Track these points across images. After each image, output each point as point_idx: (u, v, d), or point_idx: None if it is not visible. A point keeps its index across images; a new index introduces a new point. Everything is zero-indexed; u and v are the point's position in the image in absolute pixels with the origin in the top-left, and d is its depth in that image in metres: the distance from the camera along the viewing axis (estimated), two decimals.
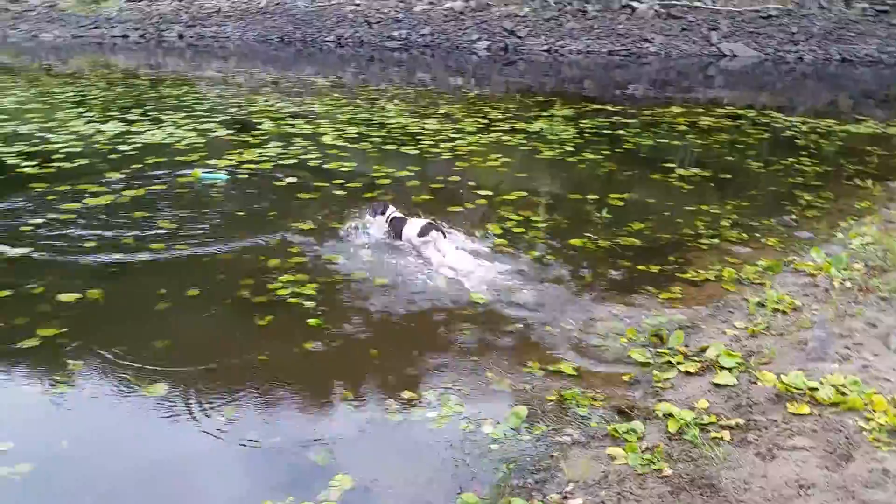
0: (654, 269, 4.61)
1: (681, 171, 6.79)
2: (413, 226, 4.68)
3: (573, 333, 3.77)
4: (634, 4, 17.48)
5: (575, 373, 3.41)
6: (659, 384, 3.28)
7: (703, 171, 6.85)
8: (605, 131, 8.65)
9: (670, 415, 2.92)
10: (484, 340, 3.71)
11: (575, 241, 5.00)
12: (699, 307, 4.06)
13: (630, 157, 7.54)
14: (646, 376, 3.37)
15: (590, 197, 6.00)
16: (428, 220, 4.70)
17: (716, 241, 5.08)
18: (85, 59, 17.63)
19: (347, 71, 15.65)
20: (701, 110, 10.11)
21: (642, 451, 2.73)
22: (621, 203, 5.86)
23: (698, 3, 16.92)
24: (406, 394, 3.23)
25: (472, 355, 3.57)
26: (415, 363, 3.52)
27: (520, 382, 3.32)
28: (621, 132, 8.60)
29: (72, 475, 2.75)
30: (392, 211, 4.89)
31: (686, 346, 3.58)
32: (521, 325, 3.86)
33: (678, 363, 3.42)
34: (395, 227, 4.78)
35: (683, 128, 8.83)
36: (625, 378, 3.38)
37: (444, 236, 4.56)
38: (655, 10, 17.26)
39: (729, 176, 6.82)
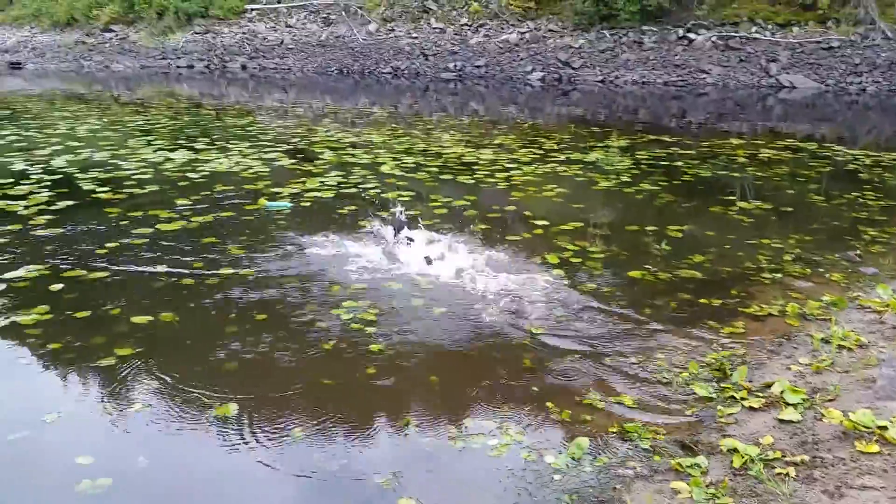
0: (716, 302, 4.56)
1: (742, 204, 6.71)
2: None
3: (633, 365, 3.77)
4: (691, 36, 17.41)
5: (636, 405, 3.40)
6: (723, 419, 3.24)
7: (763, 203, 6.76)
8: (662, 162, 8.62)
9: (735, 450, 2.89)
10: (542, 370, 3.74)
11: (634, 273, 4.99)
12: (763, 342, 4.00)
13: (688, 188, 7.49)
14: (709, 411, 3.34)
15: (648, 228, 5.99)
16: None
17: (778, 275, 5.01)
18: (152, 89, 18.37)
19: (403, 102, 15.93)
20: (760, 142, 9.99)
21: (706, 486, 2.72)
22: (680, 235, 5.83)
23: (757, 35, 16.76)
24: (467, 421, 3.28)
25: (532, 385, 3.59)
26: (474, 391, 3.55)
27: (580, 413, 3.33)
28: (679, 163, 8.55)
29: (147, 491, 2.86)
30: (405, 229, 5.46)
31: (750, 381, 3.53)
32: (580, 356, 3.87)
33: (742, 398, 3.38)
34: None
35: (743, 160, 8.73)
36: (688, 412, 3.35)
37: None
38: (713, 42, 17.16)
39: (790, 209, 6.71)
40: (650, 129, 11.39)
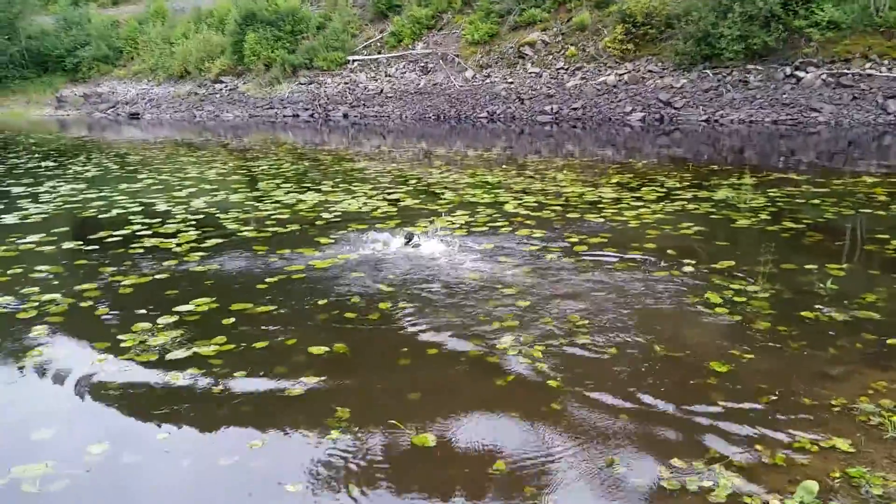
0: None
1: None
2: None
3: (836, 408, 3.56)
4: (800, 74, 16.95)
5: (853, 449, 3.20)
6: None
7: None
8: (798, 200, 8.32)
9: None
10: (738, 410, 3.58)
11: (806, 313, 4.77)
12: None
13: (834, 227, 7.18)
14: None
15: (806, 267, 5.74)
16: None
17: None
18: (259, 136, 19.20)
19: (499, 145, 16.09)
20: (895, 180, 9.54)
21: None
22: (842, 273, 5.56)
23: (871, 71, 16.15)
24: (675, 461, 3.15)
25: (733, 424, 3.44)
26: (672, 427, 3.43)
27: (794, 457, 3.16)
28: (816, 201, 8.23)
29: None
30: (417, 238, 6.51)
31: None
32: (775, 397, 3.70)
33: None
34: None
35: (884, 198, 8.32)
36: None
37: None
38: (823, 79, 16.64)
39: None
40: (768, 167, 11.06)
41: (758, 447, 3.24)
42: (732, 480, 2.99)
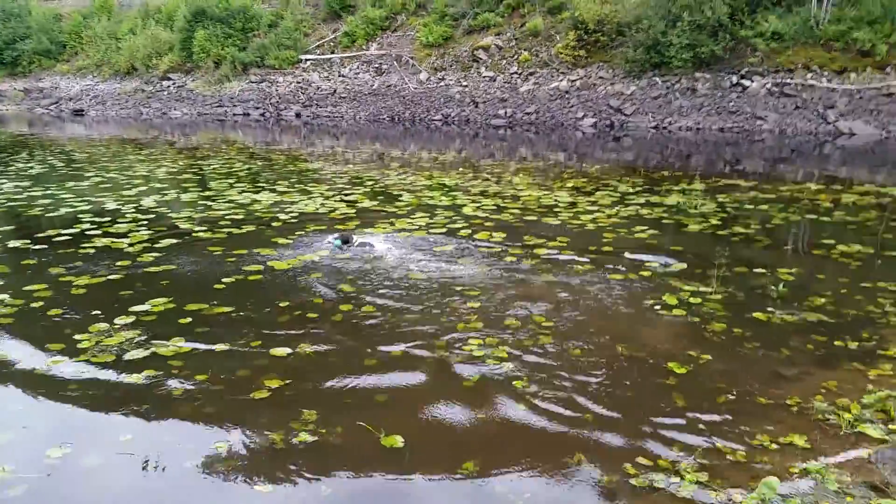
0: (853, 344, 4.47)
1: (842, 248, 6.62)
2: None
3: (792, 407, 3.69)
4: (745, 83, 17.48)
5: (809, 446, 3.32)
6: None
7: (865, 247, 6.66)
8: (747, 206, 8.58)
9: None
10: (700, 409, 3.67)
11: (759, 315, 4.93)
12: None
13: (783, 231, 7.43)
14: (888, 452, 3.24)
15: (756, 270, 5.93)
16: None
17: None
18: (209, 135, 18.84)
19: (452, 147, 16.14)
20: (839, 187, 9.91)
21: None
22: (791, 277, 5.75)
23: (813, 82, 16.77)
24: (640, 459, 3.22)
25: (695, 422, 3.53)
26: (638, 426, 3.50)
27: (755, 454, 3.26)
28: (764, 207, 8.51)
29: None
30: (356, 238, 6.46)
31: None
32: (733, 397, 3.81)
33: None
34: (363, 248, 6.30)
35: (827, 204, 8.65)
36: (864, 454, 3.27)
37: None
38: (768, 89, 17.20)
39: (894, 253, 6.60)
40: (717, 174, 11.38)
41: (719, 445, 3.33)
42: (697, 477, 3.06)
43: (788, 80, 17.10)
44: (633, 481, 3.05)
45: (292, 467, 3.16)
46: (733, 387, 3.89)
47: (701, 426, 3.50)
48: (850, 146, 14.85)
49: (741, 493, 2.96)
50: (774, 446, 3.32)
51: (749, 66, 17.60)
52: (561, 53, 20.77)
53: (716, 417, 3.59)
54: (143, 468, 3.14)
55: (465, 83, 21.77)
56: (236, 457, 3.24)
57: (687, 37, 17.55)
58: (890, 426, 3.48)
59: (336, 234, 6.40)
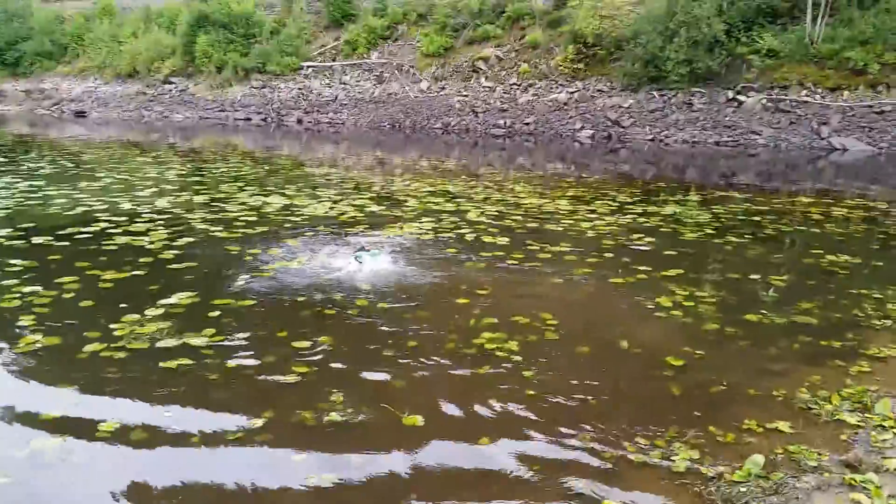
0: (836, 344, 4.81)
1: (830, 257, 6.97)
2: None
3: (778, 397, 4.02)
4: (741, 98, 17.90)
5: (792, 430, 3.64)
6: (878, 444, 3.49)
7: (852, 258, 7.01)
8: (740, 217, 8.94)
9: None
10: (693, 397, 4.00)
11: (750, 317, 5.26)
12: (893, 380, 4.24)
13: (775, 241, 7.78)
14: (862, 436, 3.58)
15: (750, 276, 6.27)
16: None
17: (888, 321, 5.24)
18: (210, 139, 19.14)
19: (452, 155, 16.50)
20: (830, 200, 10.28)
21: (888, 498, 2.95)
22: (783, 283, 6.09)
23: (807, 98, 17.21)
24: (638, 439, 3.54)
25: (689, 409, 3.85)
26: (636, 410, 3.83)
27: (743, 437, 3.58)
28: (757, 218, 8.86)
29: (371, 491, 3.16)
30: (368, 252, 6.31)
31: (894, 412, 3.78)
32: (724, 387, 4.13)
33: (891, 427, 3.63)
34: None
35: (818, 216, 9.01)
36: (842, 437, 3.60)
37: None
38: (763, 104, 17.62)
39: (881, 263, 6.95)
40: (712, 186, 11.75)
41: (710, 428, 3.65)
42: (690, 454, 3.39)
43: (783, 97, 17.53)
44: (631, 457, 3.37)
45: (323, 442, 3.46)
46: (724, 379, 4.22)
47: (694, 412, 3.82)
48: (842, 162, 15.26)
49: (729, 470, 3.27)
50: (761, 430, 3.64)
51: (744, 82, 18.03)
52: (560, 66, 21.18)
53: (708, 405, 3.91)
54: (187, 441, 3.43)
55: (465, 93, 22.13)
56: (271, 432, 3.55)
57: (684, 52, 17.97)
58: (865, 415, 3.80)
59: (358, 249, 6.41)
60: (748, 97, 17.86)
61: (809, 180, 13.10)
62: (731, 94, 18.10)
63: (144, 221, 8.08)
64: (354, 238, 7.26)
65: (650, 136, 18.19)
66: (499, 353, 4.51)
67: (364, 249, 6.31)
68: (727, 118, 17.81)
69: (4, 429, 3.62)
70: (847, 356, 4.64)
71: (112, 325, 4.81)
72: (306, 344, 4.61)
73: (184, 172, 12.24)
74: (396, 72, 23.76)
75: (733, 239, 7.70)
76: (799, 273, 6.54)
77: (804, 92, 17.36)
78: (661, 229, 8.20)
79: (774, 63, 17.80)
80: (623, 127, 18.85)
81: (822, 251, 7.21)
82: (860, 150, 15.89)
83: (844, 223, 8.69)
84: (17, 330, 4.75)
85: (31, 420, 3.67)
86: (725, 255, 7.04)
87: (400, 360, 4.40)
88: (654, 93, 19.17)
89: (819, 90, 17.30)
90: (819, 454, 3.42)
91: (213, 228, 7.77)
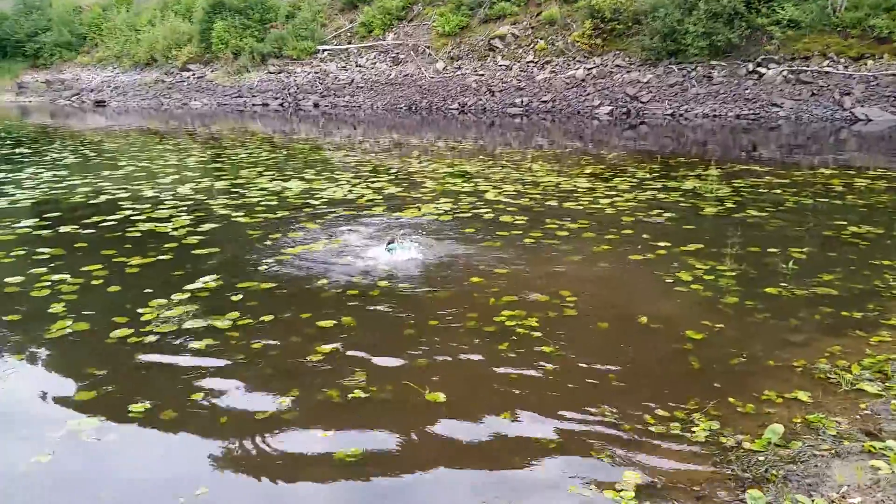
0: (857, 314, 4.80)
1: (852, 229, 6.92)
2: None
3: (798, 368, 4.03)
4: (761, 70, 17.65)
5: (812, 400, 3.66)
6: None
7: (874, 228, 6.95)
8: (761, 190, 8.87)
9: None
10: (713, 370, 4.03)
11: (770, 290, 5.26)
12: None
13: (795, 214, 7.71)
14: (883, 405, 3.59)
15: (769, 250, 6.25)
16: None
17: None
18: (228, 125, 19.27)
19: (472, 135, 16.47)
20: (852, 172, 10.16)
21: None
22: (803, 256, 6.07)
23: (829, 69, 16.92)
24: (659, 412, 3.58)
25: (709, 381, 3.89)
26: (657, 383, 3.87)
27: (762, 407, 3.61)
28: (778, 191, 8.80)
29: (393, 463, 3.24)
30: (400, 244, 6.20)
31: None
32: (744, 359, 4.16)
33: None
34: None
35: (840, 189, 8.92)
36: (861, 406, 3.61)
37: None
38: (784, 76, 17.37)
39: None
40: (732, 160, 11.65)
41: (730, 399, 3.69)
42: (710, 425, 3.42)
43: (805, 68, 17.26)
44: (652, 428, 3.41)
45: (349, 417, 3.55)
46: (744, 351, 4.24)
47: (714, 384, 3.85)
48: (866, 132, 15.02)
49: (749, 439, 3.31)
50: (780, 400, 3.67)
51: (765, 54, 17.77)
52: (577, 42, 21.00)
53: (727, 377, 3.94)
54: (215, 421, 3.54)
55: (481, 72, 22.04)
56: (299, 408, 3.64)
57: (703, 25, 17.74)
58: (886, 384, 3.81)
59: (390, 241, 6.29)
60: (769, 69, 17.61)
61: (831, 152, 12.93)
62: (751, 66, 17.87)
63: (168, 208, 8.21)
64: (369, 219, 7.31)
65: (669, 111, 18.03)
66: (519, 330, 4.56)
67: (394, 241, 6.26)
68: (747, 91, 17.59)
69: (41, 410, 3.75)
70: (868, 326, 4.63)
71: (139, 310, 4.92)
72: (330, 324, 4.69)
73: (204, 159, 12.36)
74: (412, 52, 23.70)
75: (753, 212, 7.67)
76: (820, 245, 6.50)
77: (826, 62, 17.07)
78: (681, 204, 8.17)
79: (796, 34, 17.52)
80: (642, 102, 18.69)
81: (844, 223, 7.15)
82: (884, 120, 15.63)
83: (867, 194, 8.59)
84: (48, 317, 4.87)
85: (65, 402, 3.79)
86: (745, 228, 7.01)
87: (421, 339, 4.47)
88: (674, 67, 18.98)
89: (842, 60, 17.01)
90: (838, 423, 3.44)
91: (234, 214, 7.86)
